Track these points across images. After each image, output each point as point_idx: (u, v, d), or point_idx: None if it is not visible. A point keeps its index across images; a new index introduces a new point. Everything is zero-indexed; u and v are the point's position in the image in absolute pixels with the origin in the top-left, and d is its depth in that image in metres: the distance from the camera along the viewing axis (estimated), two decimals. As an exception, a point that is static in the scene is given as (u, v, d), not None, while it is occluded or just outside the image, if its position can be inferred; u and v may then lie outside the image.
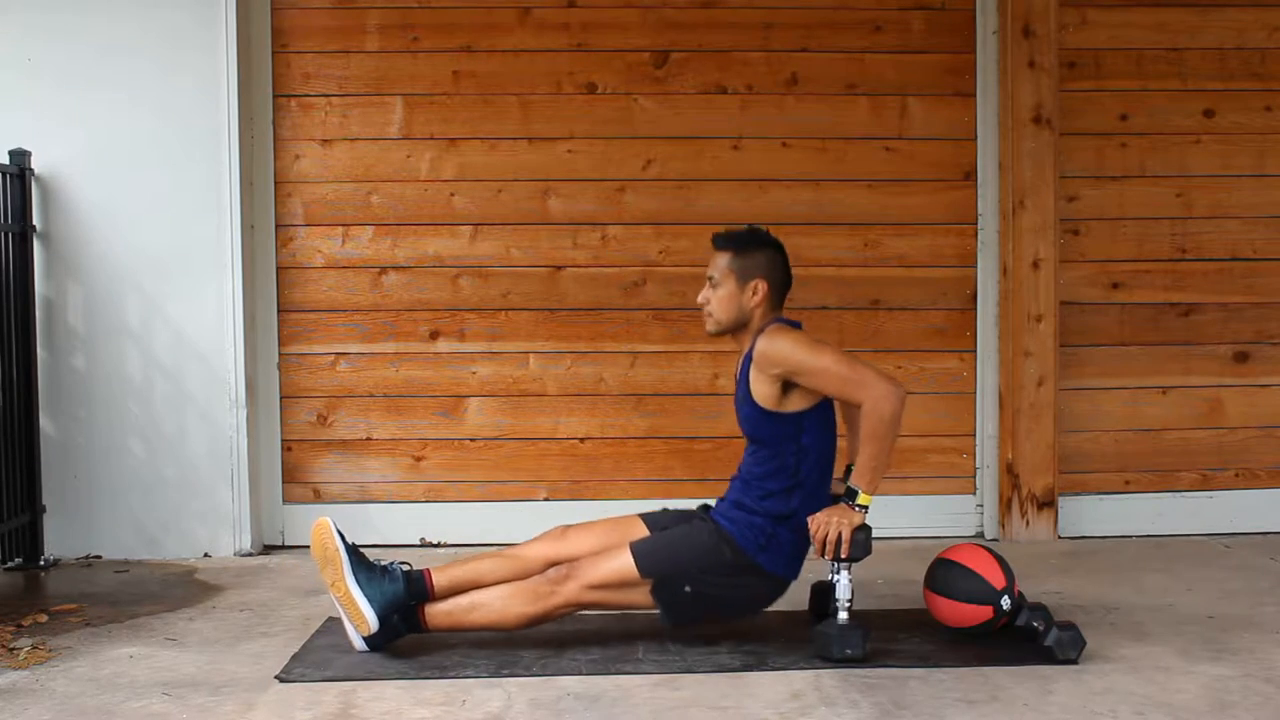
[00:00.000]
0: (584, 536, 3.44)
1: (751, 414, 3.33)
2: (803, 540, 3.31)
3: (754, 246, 3.39)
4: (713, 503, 3.49)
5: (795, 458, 3.30)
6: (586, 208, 4.76)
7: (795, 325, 3.37)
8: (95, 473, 4.56)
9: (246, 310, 4.60)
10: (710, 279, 3.40)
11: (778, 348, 3.25)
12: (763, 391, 3.28)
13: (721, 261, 3.39)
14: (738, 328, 3.39)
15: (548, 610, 3.30)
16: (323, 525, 3.31)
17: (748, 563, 3.29)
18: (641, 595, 3.30)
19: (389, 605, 3.26)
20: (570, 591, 3.28)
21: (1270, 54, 4.84)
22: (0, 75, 4.49)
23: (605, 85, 4.75)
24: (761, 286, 3.36)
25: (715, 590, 3.29)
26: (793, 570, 3.36)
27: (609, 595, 3.31)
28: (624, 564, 3.28)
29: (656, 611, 3.32)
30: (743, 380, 3.35)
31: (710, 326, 3.43)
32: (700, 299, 3.43)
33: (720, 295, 3.38)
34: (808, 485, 3.31)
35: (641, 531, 3.43)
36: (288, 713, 2.92)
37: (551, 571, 3.32)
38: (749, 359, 3.32)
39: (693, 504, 3.57)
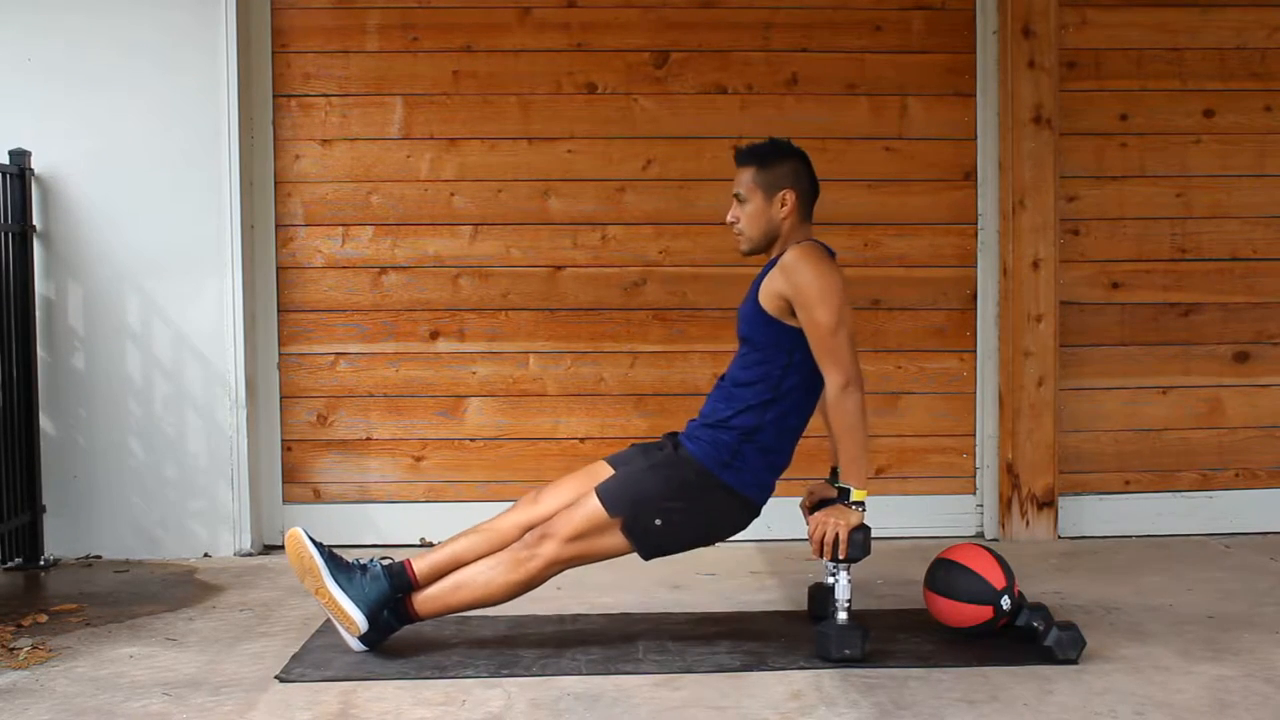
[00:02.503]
0: (555, 494, 3.39)
1: (753, 314, 3.29)
2: (768, 461, 3.28)
3: (777, 157, 3.34)
4: (685, 427, 3.44)
5: (782, 370, 3.26)
6: (586, 208, 4.76)
7: (830, 252, 3.33)
8: (95, 473, 4.56)
9: (246, 310, 4.60)
10: (736, 196, 3.35)
11: (801, 270, 3.21)
12: (772, 298, 3.25)
13: (746, 177, 3.34)
14: (770, 242, 3.36)
15: (531, 575, 3.26)
16: (294, 536, 3.28)
17: (714, 481, 3.25)
18: (617, 538, 3.25)
19: (375, 602, 3.24)
20: (549, 551, 3.24)
21: (1270, 54, 4.84)
22: (0, 75, 4.50)
23: (605, 85, 4.76)
24: (789, 197, 3.31)
25: (684, 516, 3.25)
26: (761, 494, 3.30)
27: (587, 545, 3.25)
28: (592, 508, 3.24)
29: (633, 548, 3.27)
30: (758, 281, 3.31)
31: (743, 245, 3.38)
32: (729, 218, 3.38)
33: (749, 211, 3.33)
34: (785, 403, 3.27)
35: (608, 473, 3.38)
36: (288, 713, 2.92)
37: (528, 535, 3.28)
38: (774, 263, 3.29)
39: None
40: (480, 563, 3.30)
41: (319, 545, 3.28)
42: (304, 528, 3.32)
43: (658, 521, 3.25)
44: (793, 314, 3.24)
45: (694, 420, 3.41)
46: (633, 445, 3.52)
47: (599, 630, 3.50)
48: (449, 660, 3.26)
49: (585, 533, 3.25)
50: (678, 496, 3.26)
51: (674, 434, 3.45)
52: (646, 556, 3.31)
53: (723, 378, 3.41)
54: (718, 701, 2.96)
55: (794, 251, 3.26)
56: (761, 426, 3.27)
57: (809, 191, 3.38)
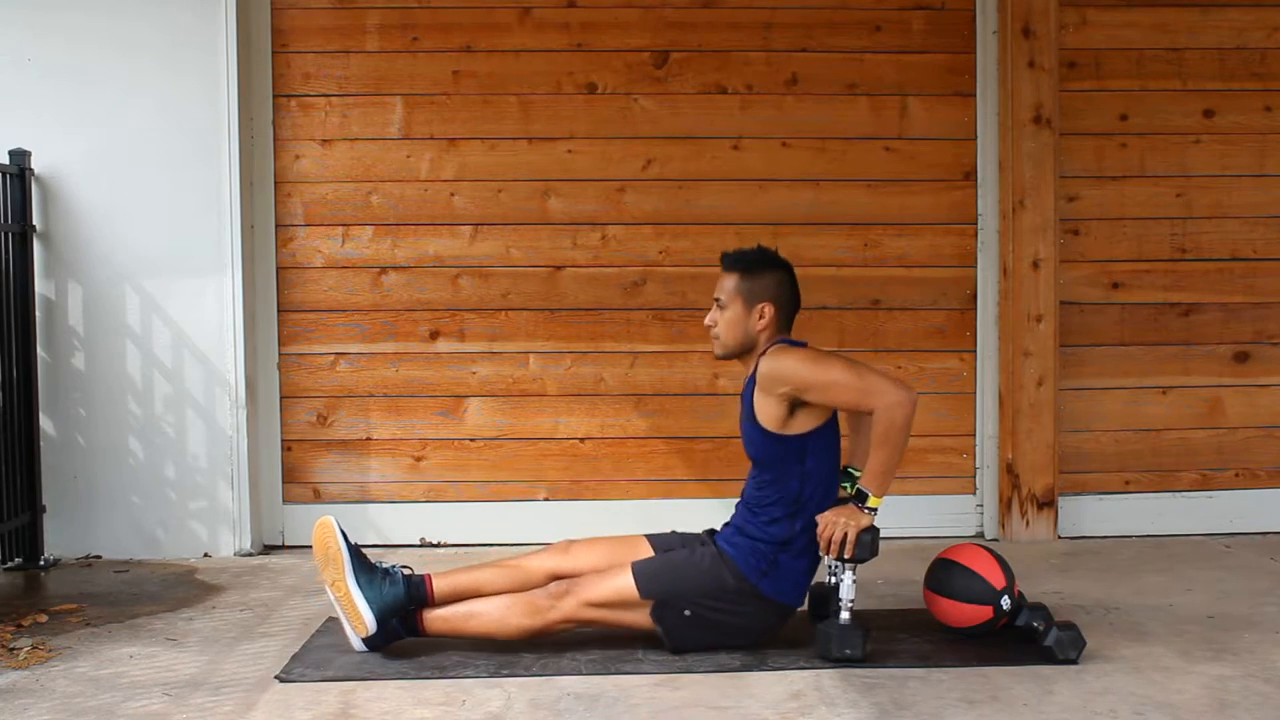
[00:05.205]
0: (588, 552, 3.41)
1: (755, 436, 3.29)
2: (806, 566, 3.29)
3: (762, 268, 3.34)
4: (718, 527, 3.46)
5: (798, 481, 3.26)
6: (586, 208, 4.76)
7: (800, 344, 3.33)
8: (95, 473, 4.56)
9: (246, 310, 4.60)
10: (717, 301, 3.36)
11: (782, 366, 3.21)
12: (768, 413, 3.24)
13: (729, 284, 3.34)
14: (744, 351, 3.35)
15: (545, 625, 3.29)
16: (325, 524, 3.30)
17: (749, 589, 3.26)
18: (641, 616, 3.28)
19: (388, 608, 3.25)
20: (569, 607, 3.27)
21: (1270, 54, 4.84)
22: (0, 75, 4.50)
23: (605, 85, 4.76)
24: (769, 310, 3.31)
25: (716, 615, 3.27)
26: (796, 598, 3.32)
27: (608, 614, 3.29)
28: (624, 583, 3.26)
29: (657, 633, 3.30)
30: (747, 402, 3.31)
31: (717, 350, 3.39)
32: (707, 321, 3.39)
33: (727, 318, 3.34)
34: (810, 509, 3.27)
35: (646, 552, 3.40)
36: (288, 713, 2.92)
37: (552, 586, 3.31)
38: (753, 380, 3.29)
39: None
40: (498, 599, 3.32)
41: (348, 540, 3.29)
42: (336, 519, 3.32)
43: (687, 613, 3.26)
44: (791, 419, 3.22)
45: (728, 526, 3.40)
46: (674, 532, 3.52)
47: (599, 630, 3.50)
48: (449, 660, 3.26)
49: (611, 603, 3.27)
50: (714, 596, 3.27)
51: (713, 531, 3.45)
52: (673, 648, 3.30)
53: (743, 494, 3.40)
54: (718, 701, 2.96)
55: (766, 361, 3.25)
56: (793, 537, 3.27)
57: (789, 305, 3.37)
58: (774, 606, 3.30)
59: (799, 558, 3.28)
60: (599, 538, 3.49)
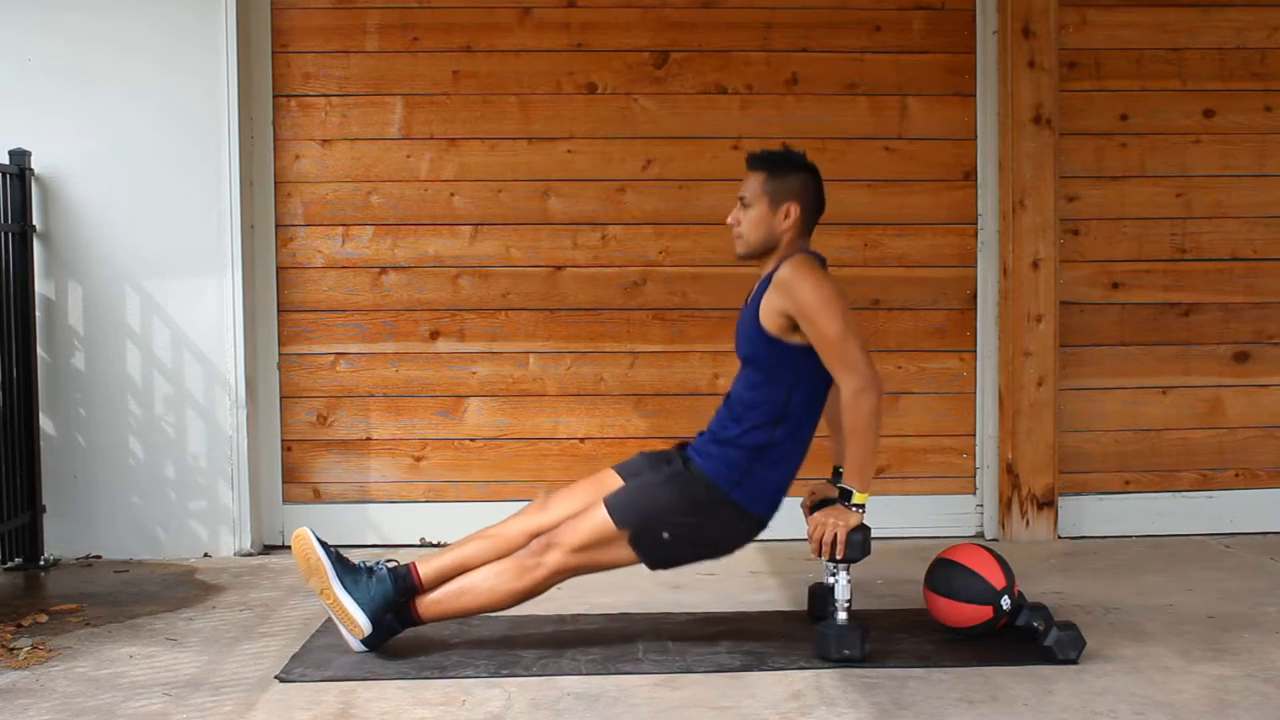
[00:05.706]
0: (564, 500, 3.39)
1: (754, 335, 3.26)
2: (779, 476, 3.26)
3: (789, 169, 3.32)
4: (694, 438, 3.42)
5: (787, 390, 3.23)
6: (586, 208, 4.76)
7: (821, 260, 3.31)
8: (95, 473, 4.56)
9: (246, 310, 4.60)
10: (741, 199, 3.33)
11: (799, 283, 3.18)
12: (773, 318, 3.22)
13: (754, 182, 3.32)
14: (766, 251, 3.33)
15: (536, 583, 3.26)
16: (302, 536, 3.28)
17: (722, 498, 3.23)
18: (625, 550, 3.25)
19: (379, 606, 3.24)
20: (554, 560, 3.24)
21: (1270, 54, 4.84)
22: (0, 75, 4.50)
23: (605, 85, 4.76)
24: (794, 210, 3.29)
25: (693, 531, 3.25)
26: (767, 509, 3.28)
27: (593, 555, 3.25)
28: (600, 520, 3.23)
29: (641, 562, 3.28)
30: (755, 300, 3.28)
31: (740, 248, 3.36)
32: (730, 219, 3.36)
33: (751, 216, 3.31)
34: (793, 420, 3.24)
35: (617, 484, 3.37)
36: (288, 713, 2.92)
37: (534, 543, 3.27)
38: (768, 280, 3.26)
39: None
40: (485, 569, 3.30)
41: (326, 546, 3.28)
42: (311, 528, 3.32)
43: (665, 535, 3.24)
44: (794, 330, 3.21)
45: (703, 434, 3.38)
46: (641, 454, 3.49)
47: (599, 630, 3.50)
48: (449, 660, 3.26)
49: (592, 543, 3.24)
50: (688, 512, 3.25)
51: (683, 445, 3.43)
52: (653, 567, 3.31)
53: (728, 395, 3.38)
54: (718, 701, 2.96)
55: (788, 267, 3.23)
56: (772, 444, 3.25)
57: (814, 206, 3.35)
58: (745, 515, 3.26)
59: (773, 467, 3.25)
60: (573, 485, 3.46)
